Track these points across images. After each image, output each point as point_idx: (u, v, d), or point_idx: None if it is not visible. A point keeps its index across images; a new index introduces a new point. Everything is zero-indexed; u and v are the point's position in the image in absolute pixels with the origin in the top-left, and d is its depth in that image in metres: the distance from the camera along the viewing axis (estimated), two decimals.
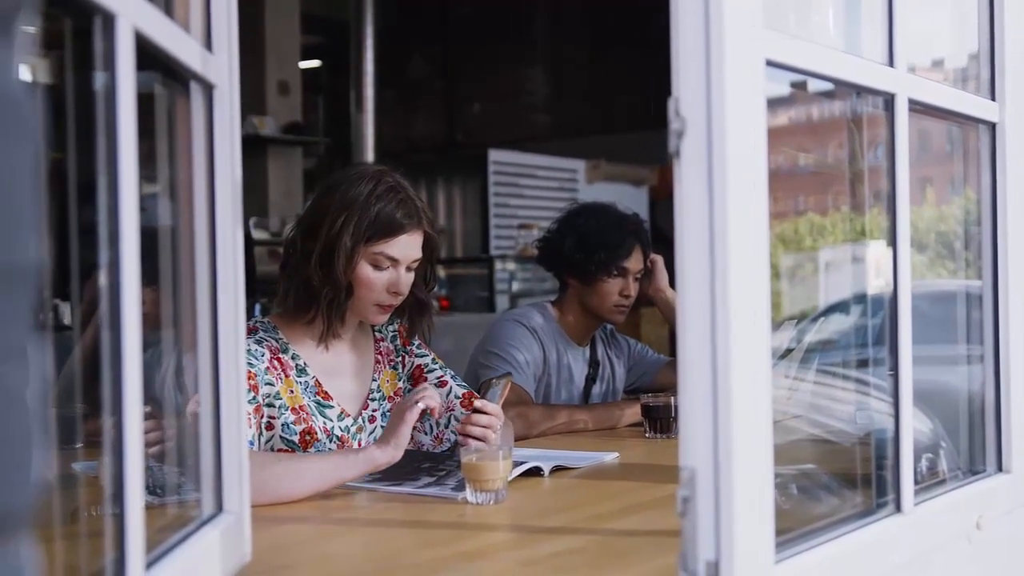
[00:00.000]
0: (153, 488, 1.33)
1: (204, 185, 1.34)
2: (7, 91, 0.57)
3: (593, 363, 3.10)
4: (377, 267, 2.15)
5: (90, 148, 1.02)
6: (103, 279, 1.00)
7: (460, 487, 1.89)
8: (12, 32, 0.58)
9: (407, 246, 2.17)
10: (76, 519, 1.25)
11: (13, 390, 0.58)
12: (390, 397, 2.33)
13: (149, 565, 1.07)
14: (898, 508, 1.49)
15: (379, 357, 2.34)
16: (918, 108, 1.56)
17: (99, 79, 1.01)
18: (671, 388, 2.91)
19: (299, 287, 2.17)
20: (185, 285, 1.35)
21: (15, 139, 0.58)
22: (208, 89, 1.33)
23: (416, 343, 2.40)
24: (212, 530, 1.29)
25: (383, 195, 2.15)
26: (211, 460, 1.35)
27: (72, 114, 1.07)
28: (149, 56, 1.10)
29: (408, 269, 2.19)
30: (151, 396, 1.16)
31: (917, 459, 1.59)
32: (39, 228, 0.60)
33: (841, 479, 1.68)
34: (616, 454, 2.34)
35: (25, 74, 0.60)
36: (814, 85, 1.52)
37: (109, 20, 0.98)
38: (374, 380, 2.31)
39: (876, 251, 1.92)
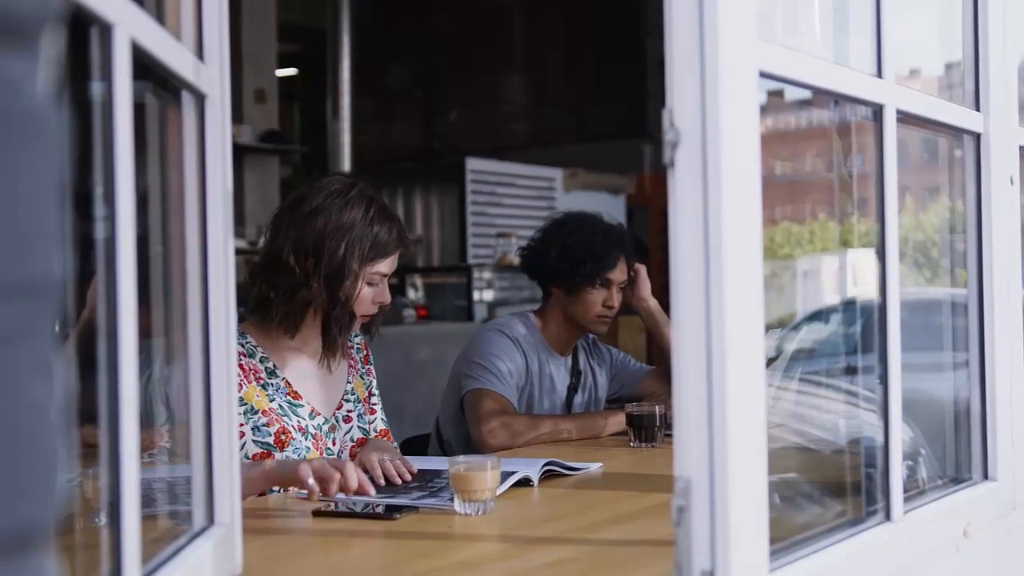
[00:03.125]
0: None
1: (195, 195, 1.33)
2: (33, 106, 0.57)
3: (575, 373, 3.10)
4: (370, 284, 2.26)
5: (84, 157, 1.01)
6: (99, 290, 0.99)
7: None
8: (36, 46, 0.57)
9: (395, 261, 2.30)
10: (70, 530, 1.24)
11: (39, 405, 0.58)
12: (363, 400, 2.41)
13: None
14: (888, 516, 1.50)
15: (352, 362, 2.42)
16: (905, 118, 1.57)
17: (95, 88, 1.00)
18: (654, 397, 2.92)
19: (299, 308, 2.22)
20: (175, 295, 1.35)
21: (41, 154, 0.57)
22: (200, 99, 1.32)
23: (365, 367, 2.48)
24: (204, 542, 1.28)
25: (377, 218, 2.25)
26: (202, 473, 1.34)
27: (66, 123, 1.06)
28: (141, 65, 1.09)
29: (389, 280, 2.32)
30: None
31: None
32: (62, 242, 0.60)
33: (830, 488, 1.69)
34: (600, 464, 2.34)
35: (50, 87, 0.60)
36: (790, 94, 1.53)
37: (106, 30, 0.97)
38: (348, 382, 2.39)
39: (854, 260, 1.93)
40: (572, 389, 3.09)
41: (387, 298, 2.30)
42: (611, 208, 7.59)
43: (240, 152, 7.24)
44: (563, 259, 2.96)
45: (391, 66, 10.06)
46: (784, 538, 1.32)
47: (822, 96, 1.57)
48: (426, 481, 2.11)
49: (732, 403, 1.14)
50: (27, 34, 0.57)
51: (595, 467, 2.32)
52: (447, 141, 9.83)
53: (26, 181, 0.57)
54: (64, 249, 0.61)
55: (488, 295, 7.44)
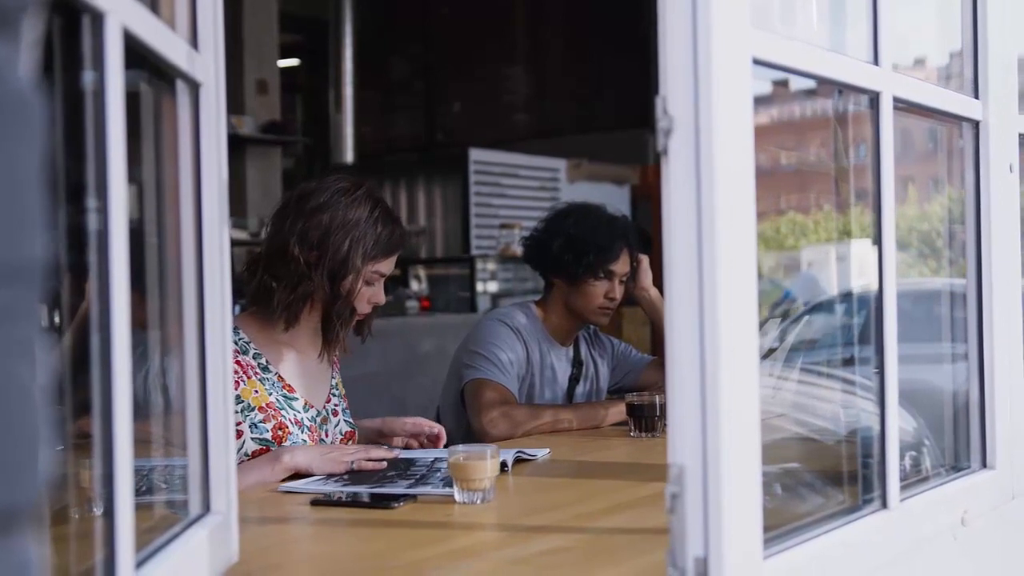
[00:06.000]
0: (138, 488, 1.32)
1: (190, 185, 1.33)
2: (13, 90, 0.57)
3: (577, 363, 3.10)
4: (368, 283, 2.30)
5: (76, 147, 1.02)
6: (92, 281, 1.00)
7: (448, 483, 1.89)
8: (18, 31, 0.58)
9: (393, 262, 2.34)
10: (65, 520, 1.25)
11: (22, 386, 0.58)
12: (344, 396, 2.46)
13: (138, 565, 1.06)
14: (884, 504, 1.50)
15: (334, 359, 2.46)
16: (902, 106, 1.57)
17: (86, 77, 1.00)
18: (655, 387, 2.92)
19: (300, 299, 2.25)
20: (170, 286, 1.35)
21: (22, 138, 0.58)
22: (194, 88, 1.32)
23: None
24: (200, 530, 1.28)
25: (381, 218, 2.29)
26: (198, 461, 1.34)
27: (57, 112, 1.07)
28: (135, 54, 1.09)
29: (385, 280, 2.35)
30: (134, 396, 1.16)
31: (901, 457, 1.60)
32: (44, 226, 0.61)
33: (827, 476, 1.69)
34: (547, 450, 2.37)
35: (30, 72, 0.60)
36: (795, 83, 1.53)
37: (98, 18, 0.97)
38: (333, 378, 2.44)
39: (858, 250, 1.93)
40: (574, 379, 3.09)
41: (381, 299, 2.34)
42: (615, 199, 7.59)
43: (242, 143, 7.24)
44: (566, 250, 2.95)
45: (393, 57, 10.06)
46: (780, 526, 1.32)
47: (825, 85, 1.57)
48: (404, 470, 2.11)
49: (725, 390, 1.14)
50: (7, 19, 0.57)
51: (543, 453, 2.36)
52: (450, 132, 9.84)
53: (8, 166, 0.57)
54: (47, 234, 0.61)
55: (491, 286, 7.45)
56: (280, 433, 2.22)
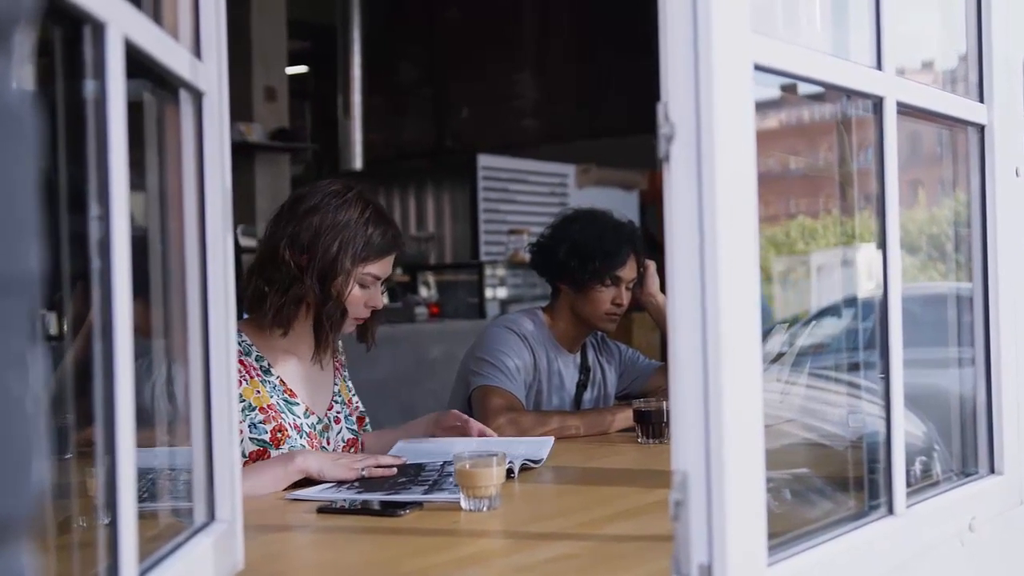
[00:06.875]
0: (143, 495, 1.32)
1: (194, 193, 1.34)
2: (7, 102, 0.57)
3: (584, 369, 3.10)
4: (362, 286, 2.29)
5: (78, 156, 1.02)
6: (94, 289, 1.00)
7: (458, 490, 1.89)
8: (11, 43, 0.58)
9: (389, 265, 2.33)
10: (72, 529, 1.25)
11: (14, 397, 0.58)
12: (347, 402, 2.46)
13: (142, 574, 1.06)
14: (890, 510, 1.49)
15: (337, 366, 2.47)
16: (906, 111, 1.57)
17: (88, 87, 1.01)
18: (662, 393, 2.91)
19: (292, 302, 2.25)
20: (175, 295, 1.35)
21: (16, 149, 0.58)
22: (197, 97, 1.33)
23: (345, 372, 2.52)
24: (205, 538, 1.28)
25: (372, 219, 2.28)
26: (203, 469, 1.34)
27: (60, 122, 1.07)
28: (137, 64, 1.10)
29: (383, 284, 2.34)
30: (141, 407, 1.16)
31: (911, 462, 1.59)
32: (38, 237, 0.61)
33: (834, 482, 1.68)
34: (551, 439, 2.38)
35: (25, 84, 0.60)
36: (803, 88, 1.53)
37: (99, 28, 0.97)
38: (335, 384, 2.43)
39: (867, 254, 1.93)
40: (581, 386, 3.09)
41: (379, 303, 2.33)
42: (624, 204, 7.58)
43: (250, 150, 7.24)
44: (572, 256, 2.95)
45: (401, 63, 10.06)
46: (787, 531, 1.32)
47: (831, 90, 1.56)
48: (415, 476, 2.11)
49: (728, 396, 1.14)
50: (1, 32, 0.57)
51: (547, 445, 2.36)
52: (458, 138, 9.83)
53: (2, 178, 0.57)
54: (42, 245, 0.62)
55: (500, 292, 7.45)
56: (279, 436, 2.22)
